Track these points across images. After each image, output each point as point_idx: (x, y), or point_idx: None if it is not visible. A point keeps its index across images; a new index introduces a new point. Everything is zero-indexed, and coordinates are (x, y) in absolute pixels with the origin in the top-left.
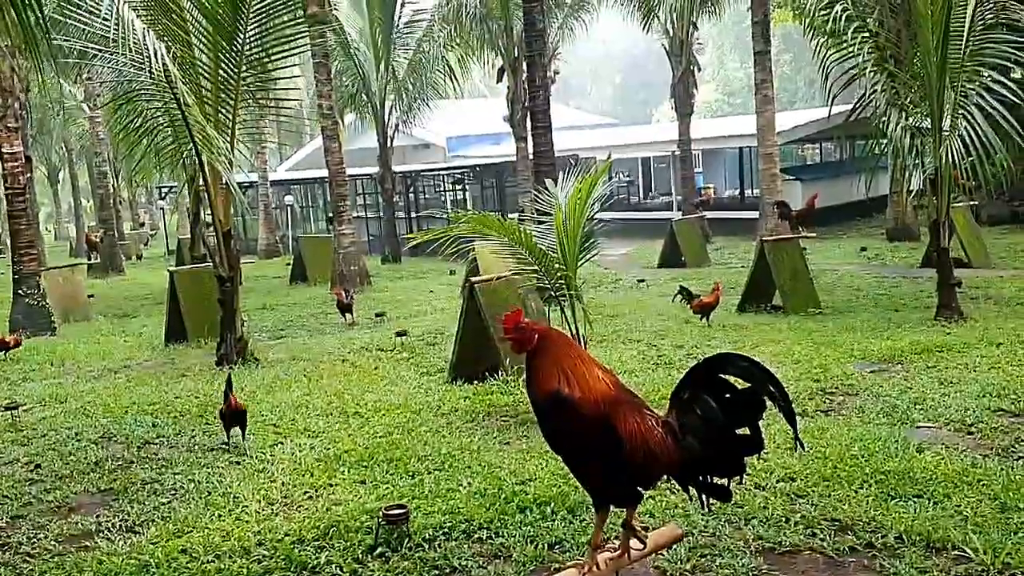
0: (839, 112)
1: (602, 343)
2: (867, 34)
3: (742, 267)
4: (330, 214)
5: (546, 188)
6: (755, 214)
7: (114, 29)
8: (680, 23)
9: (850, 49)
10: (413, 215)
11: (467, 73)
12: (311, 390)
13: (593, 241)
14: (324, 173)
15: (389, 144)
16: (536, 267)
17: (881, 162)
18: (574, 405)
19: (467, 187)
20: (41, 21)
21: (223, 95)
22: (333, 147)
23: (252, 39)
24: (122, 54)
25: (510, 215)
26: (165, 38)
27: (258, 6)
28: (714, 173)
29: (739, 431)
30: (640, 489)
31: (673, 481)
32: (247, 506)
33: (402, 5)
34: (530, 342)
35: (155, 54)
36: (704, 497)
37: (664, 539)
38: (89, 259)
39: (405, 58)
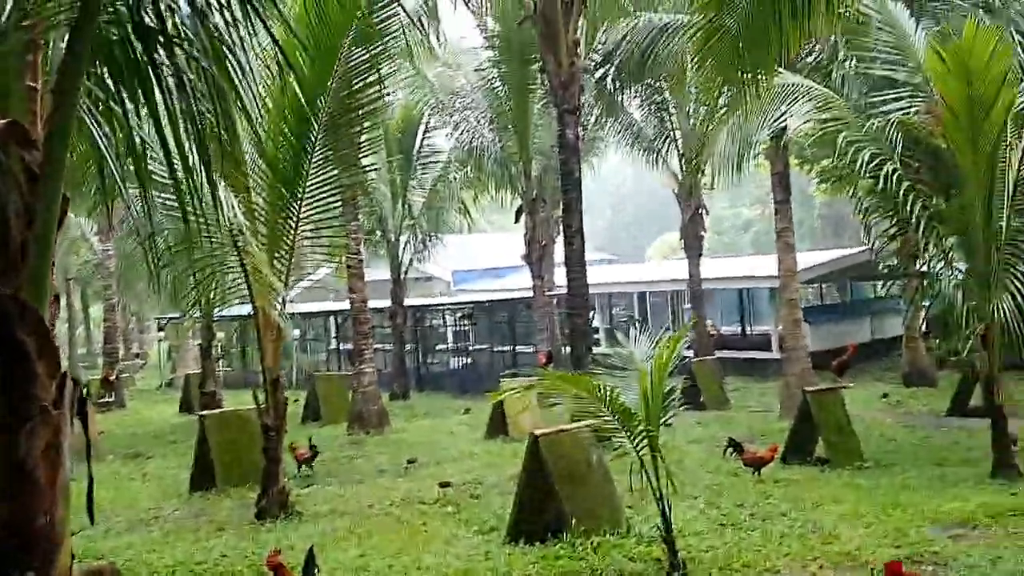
0: (846, 256)
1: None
2: (916, 192)
3: (765, 411)
4: (332, 347)
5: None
6: (765, 354)
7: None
8: (689, 169)
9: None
10: (420, 349)
11: (481, 211)
12: (365, 551)
13: (674, 399)
14: (329, 306)
15: (402, 279)
16: (617, 425)
17: (893, 304)
18: None
19: (476, 322)
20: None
21: (279, 239)
22: (358, 285)
23: (311, 188)
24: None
25: (518, 348)
26: (229, 186)
27: (318, 160)
28: (709, 309)
29: None
30: None
31: None
32: None
33: (420, 146)
34: None
35: (226, 204)
36: None
37: None
38: (101, 396)
39: (422, 198)
